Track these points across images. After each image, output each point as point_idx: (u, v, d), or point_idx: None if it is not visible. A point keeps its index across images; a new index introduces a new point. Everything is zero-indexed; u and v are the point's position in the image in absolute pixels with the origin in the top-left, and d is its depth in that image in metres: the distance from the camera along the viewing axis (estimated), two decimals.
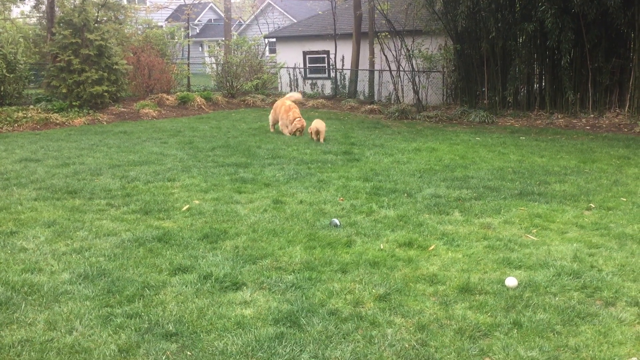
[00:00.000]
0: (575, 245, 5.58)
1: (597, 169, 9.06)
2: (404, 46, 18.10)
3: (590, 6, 14.19)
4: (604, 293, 4.50)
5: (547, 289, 4.57)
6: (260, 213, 6.62)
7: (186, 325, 3.96)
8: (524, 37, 16.55)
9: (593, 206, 6.94)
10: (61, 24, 15.83)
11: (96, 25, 16.14)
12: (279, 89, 23.41)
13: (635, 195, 7.42)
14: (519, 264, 5.10)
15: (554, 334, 3.88)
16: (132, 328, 3.90)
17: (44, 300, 4.32)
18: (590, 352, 3.67)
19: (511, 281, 4.64)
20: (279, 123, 13.18)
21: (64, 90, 15.70)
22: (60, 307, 4.20)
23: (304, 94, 22.07)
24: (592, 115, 15.29)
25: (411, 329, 3.95)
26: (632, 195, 7.45)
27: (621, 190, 7.68)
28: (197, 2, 32.94)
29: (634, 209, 6.79)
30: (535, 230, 6.05)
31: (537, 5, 15.12)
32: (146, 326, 3.92)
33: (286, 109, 12.97)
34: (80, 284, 4.61)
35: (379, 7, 18.33)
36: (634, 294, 4.46)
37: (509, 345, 3.73)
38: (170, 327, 3.91)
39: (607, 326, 3.99)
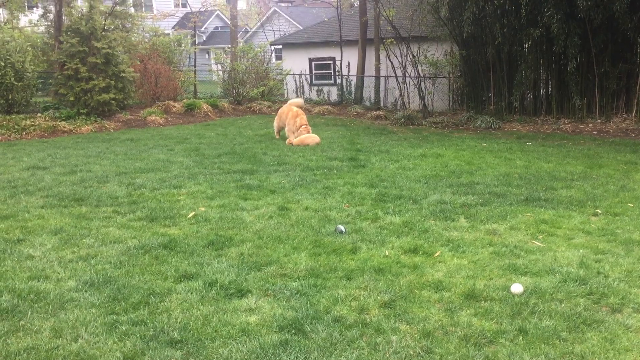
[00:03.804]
0: (581, 251, 5.56)
1: (604, 175, 9.01)
2: (409, 52, 18.09)
3: (596, 11, 14.16)
4: (611, 299, 4.47)
5: (553, 295, 4.55)
6: (266, 220, 6.63)
7: (191, 332, 3.96)
8: (530, 43, 16.51)
9: (600, 212, 6.90)
10: (69, 32, 15.94)
11: (103, 33, 16.25)
12: (285, 95, 23.45)
13: None
14: (525, 270, 5.08)
15: (559, 341, 3.86)
16: (137, 335, 3.91)
17: (50, 307, 4.34)
18: (597, 359, 3.65)
19: (517, 288, 4.63)
20: (286, 129, 13.14)
21: (72, 98, 15.80)
22: (66, 315, 4.22)
23: (309, 100, 22.14)
24: (599, 121, 15.23)
25: (416, 335, 3.94)
26: (639, 200, 7.41)
27: (628, 196, 7.64)
28: (203, 10, 33.11)
29: None
30: (541, 236, 6.03)
31: (543, 11, 15.09)
32: (151, 333, 3.93)
33: (293, 115, 12.94)
34: (86, 291, 4.63)
35: (384, 14, 18.35)
36: None
37: (514, 353, 3.72)
38: (175, 335, 3.92)
39: (613, 333, 3.96)
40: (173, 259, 5.35)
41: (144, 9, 37.98)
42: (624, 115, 15.24)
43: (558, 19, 14.42)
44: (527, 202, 7.38)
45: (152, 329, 3.99)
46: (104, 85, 15.76)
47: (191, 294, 4.58)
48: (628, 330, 4.00)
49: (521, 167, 9.75)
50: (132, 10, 22.30)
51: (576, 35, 14.61)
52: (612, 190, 7.98)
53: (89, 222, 6.58)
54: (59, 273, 5.02)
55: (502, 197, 7.60)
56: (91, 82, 15.64)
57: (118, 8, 18.39)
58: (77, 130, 14.49)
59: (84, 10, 16.58)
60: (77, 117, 15.37)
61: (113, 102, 16.16)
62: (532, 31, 15.30)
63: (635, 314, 4.24)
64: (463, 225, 6.47)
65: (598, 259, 5.36)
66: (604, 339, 3.89)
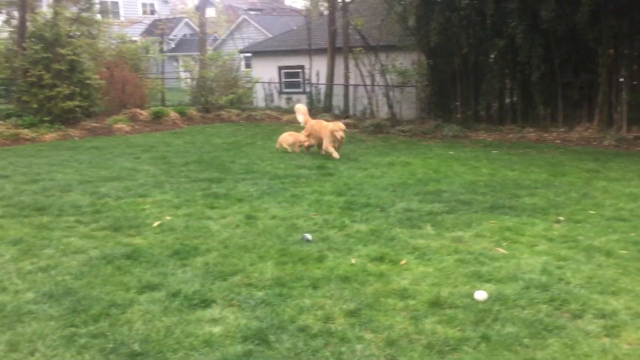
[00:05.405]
0: (544, 258, 5.64)
1: (567, 182, 9.19)
2: (378, 61, 18.25)
3: (559, 22, 14.49)
4: (572, 305, 4.53)
5: (516, 302, 4.59)
6: (232, 229, 6.57)
7: (152, 344, 3.89)
8: (495, 53, 16.82)
9: (562, 219, 7.02)
10: (32, 39, 15.66)
11: (68, 39, 16.00)
12: (254, 103, 23.38)
13: (603, 208, 7.54)
14: (489, 277, 5.13)
15: (521, 348, 3.90)
16: (97, 348, 3.82)
17: (7, 320, 4.21)
18: None
19: (481, 295, 4.66)
20: (324, 143, 12.29)
21: (35, 106, 15.48)
22: (23, 328, 4.10)
23: (279, 108, 22.08)
24: (562, 129, 15.53)
25: (381, 344, 3.94)
26: (600, 208, 7.56)
27: (590, 203, 7.80)
28: (172, 17, 32.86)
29: (602, 222, 6.89)
30: (505, 244, 6.10)
31: (507, 22, 15.39)
32: (111, 346, 3.84)
33: (325, 127, 12.35)
34: (44, 303, 4.51)
35: (353, 23, 18.49)
36: (601, 307, 4.51)
37: None
38: (136, 347, 3.84)
39: (574, 339, 4.02)
40: (136, 269, 5.26)
41: (111, 15, 37.51)
42: (586, 124, 15.56)
43: (522, 29, 14.73)
44: (492, 209, 7.47)
45: (112, 342, 3.90)
46: (68, 92, 15.49)
47: (154, 304, 4.50)
48: (588, 336, 4.06)
49: (487, 175, 9.88)
50: (98, 16, 21.89)
51: (540, 45, 14.94)
52: (574, 197, 8.14)
53: (50, 232, 6.42)
54: (17, 285, 4.89)
55: (468, 205, 7.68)
56: (55, 89, 15.36)
57: (84, 14, 18.12)
58: (40, 138, 14.20)
59: (49, 17, 16.31)
60: (40, 125, 15.05)
61: (78, 109, 15.90)
62: (497, 41, 15.60)
63: (595, 320, 4.31)
64: (429, 233, 6.51)
65: (560, 265, 5.44)
66: (564, 344, 3.94)
